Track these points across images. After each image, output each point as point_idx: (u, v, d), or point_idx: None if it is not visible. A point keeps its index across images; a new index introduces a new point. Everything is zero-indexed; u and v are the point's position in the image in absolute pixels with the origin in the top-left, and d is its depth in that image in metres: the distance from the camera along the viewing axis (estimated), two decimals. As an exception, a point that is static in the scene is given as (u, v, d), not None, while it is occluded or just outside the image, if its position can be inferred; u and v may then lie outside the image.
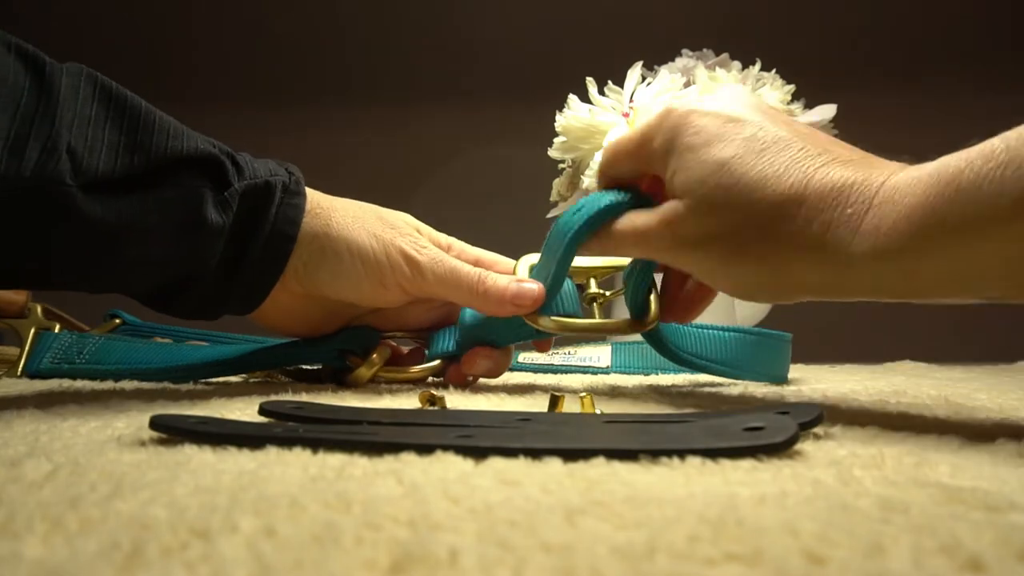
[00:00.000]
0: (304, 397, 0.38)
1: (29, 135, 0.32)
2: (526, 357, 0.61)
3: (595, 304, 0.42)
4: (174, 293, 0.39)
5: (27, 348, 0.52)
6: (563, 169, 0.77)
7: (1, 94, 0.32)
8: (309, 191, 0.42)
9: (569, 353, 0.61)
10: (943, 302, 0.27)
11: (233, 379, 0.50)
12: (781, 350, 0.52)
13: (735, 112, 0.31)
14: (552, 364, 0.60)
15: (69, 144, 0.33)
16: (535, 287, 0.40)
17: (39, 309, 0.55)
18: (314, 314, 0.44)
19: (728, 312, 0.72)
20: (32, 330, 0.53)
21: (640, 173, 0.35)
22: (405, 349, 0.49)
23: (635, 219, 0.34)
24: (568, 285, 0.42)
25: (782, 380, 0.52)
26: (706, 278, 0.32)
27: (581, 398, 0.31)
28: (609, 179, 0.36)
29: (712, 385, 0.49)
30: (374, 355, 0.44)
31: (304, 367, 0.50)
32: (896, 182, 0.26)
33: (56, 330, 0.53)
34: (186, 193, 0.36)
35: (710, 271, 0.32)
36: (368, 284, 0.41)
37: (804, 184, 0.28)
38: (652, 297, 0.40)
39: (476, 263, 0.44)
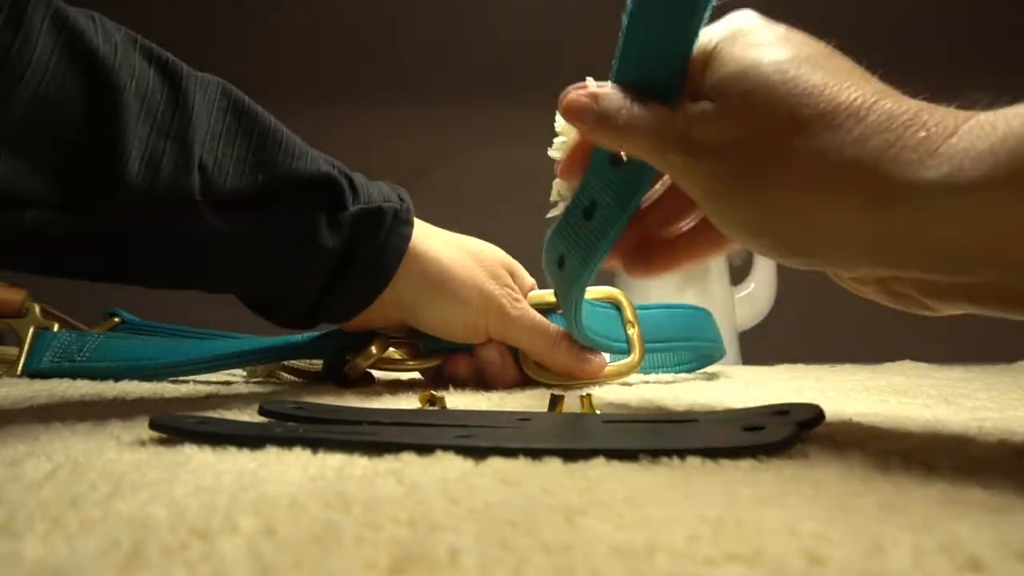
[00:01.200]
0: (304, 397, 0.38)
1: (164, 150, 0.32)
2: None
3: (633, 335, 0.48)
4: (273, 302, 0.40)
5: (26, 347, 0.52)
6: (563, 169, 0.77)
7: (141, 104, 0.32)
8: (432, 234, 0.43)
9: None
10: (1000, 274, 0.20)
11: (233, 379, 0.50)
12: (703, 321, 0.55)
13: (796, 34, 0.26)
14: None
15: (201, 159, 0.33)
16: (602, 361, 0.45)
17: (37, 308, 0.55)
18: (387, 325, 0.45)
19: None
20: (31, 329, 0.53)
21: None
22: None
23: (655, 108, 0.27)
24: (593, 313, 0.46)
25: (714, 354, 0.55)
26: (713, 203, 0.25)
27: (581, 398, 0.31)
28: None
29: (712, 385, 0.49)
30: (372, 347, 0.44)
31: (305, 368, 0.50)
32: (994, 114, 0.20)
33: (55, 329, 0.53)
34: (304, 213, 0.37)
35: (721, 193, 0.25)
36: (462, 330, 0.43)
37: (870, 101, 0.22)
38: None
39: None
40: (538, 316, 0.44)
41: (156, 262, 0.35)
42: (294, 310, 0.40)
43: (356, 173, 0.40)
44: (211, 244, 0.35)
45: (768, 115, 0.23)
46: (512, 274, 0.46)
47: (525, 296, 0.46)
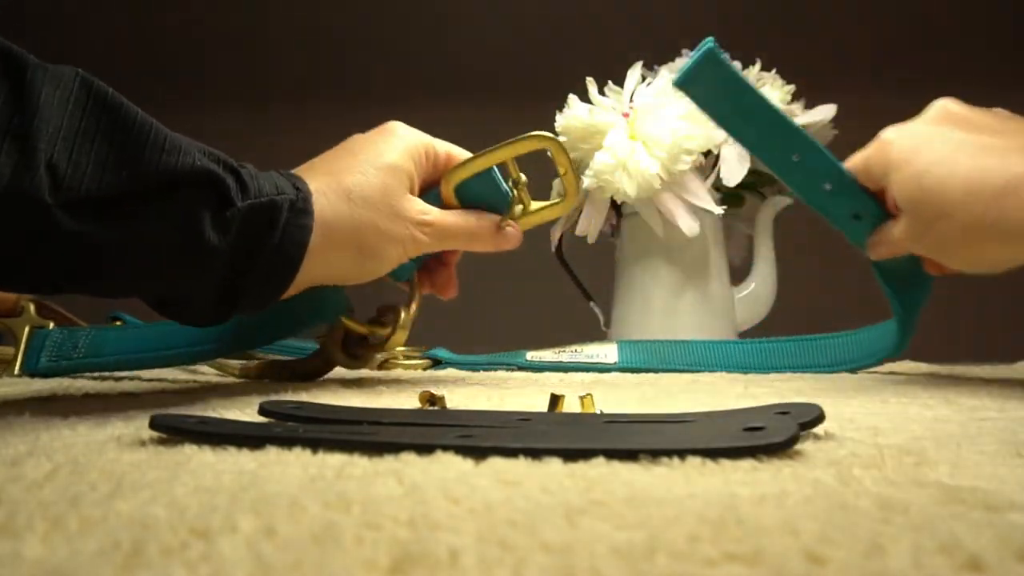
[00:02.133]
0: (304, 397, 0.38)
1: (1, 148, 0.29)
2: (533, 356, 0.61)
3: (518, 189, 0.47)
4: (175, 304, 0.38)
5: (22, 347, 0.52)
6: (563, 169, 0.77)
7: None
8: (312, 186, 0.40)
9: (576, 351, 0.61)
10: None
11: (233, 379, 0.50)
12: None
13: (925, 127, 0.40)
14: (560, 362, 0.60)
15: (50, 159, 0.30)
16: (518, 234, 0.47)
17: (32, 307, 0.54)
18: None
19: (728, 315, 0.72)
20: (26, 328, 0.53)
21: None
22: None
23: (886, 232, 0.44)
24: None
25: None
26: (942, 260, 0.42)
27: (581, 398, 0.31)
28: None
29: (712, 385, 0.49)
30: (401, 314, 0.47)
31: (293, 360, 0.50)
32: None
33: (50, 327, 0.53)
34: (183, 213, 0.34)
35: (944, 255, 0.42)
36: (393, 268, 0.44)
37: (1009, 178, 0.35)
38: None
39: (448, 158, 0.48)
40: (450, 219, 0.45)
41: (18, 267, 0.32)
42: (197, 310, 0.38)
43: (246, 165, 0.37)
44: (78, 248, 0.32)
45: (944, 221, 0.38)
46: (424, 158, 0.46)
47: (446, 168, 0.46)
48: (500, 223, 0.46)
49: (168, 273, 0.35)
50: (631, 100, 0.66)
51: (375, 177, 0.42)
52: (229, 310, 0.38)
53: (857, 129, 0.80)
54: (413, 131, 0.47)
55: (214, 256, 0.35)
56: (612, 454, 0.20)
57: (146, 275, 0.35)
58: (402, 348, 0.47)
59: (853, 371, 0.57)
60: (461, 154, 0.48)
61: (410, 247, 0.43)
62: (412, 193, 0.44)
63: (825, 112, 0.70)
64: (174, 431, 0.24)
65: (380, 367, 0.58)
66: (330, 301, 0.46)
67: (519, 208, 0.47)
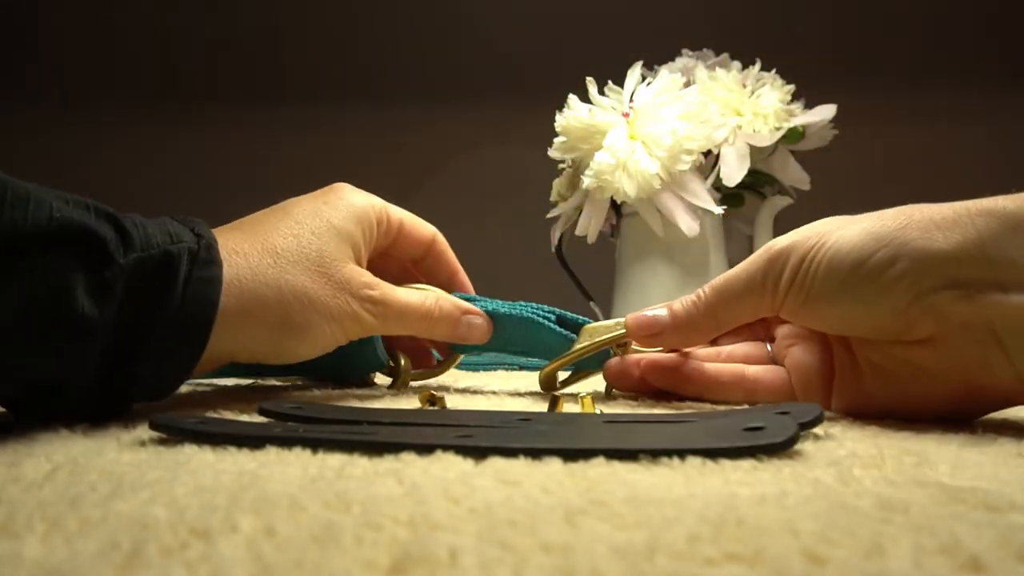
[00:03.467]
0: (304, 397, 0.38)
1: None
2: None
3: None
4: (46, 398, 0.29)
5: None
6: (563, 169, 0.77)
7: None
8: (227, 244, 0.33)
9: None
10: None
11: (233, 379, 0.50)
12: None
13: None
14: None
15: None
16: (485, 325, 0.41)
17: None
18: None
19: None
20: None
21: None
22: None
23: None
24: None
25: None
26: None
27: (581, 398, 0.31)
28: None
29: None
30: (402, 362, 0.43)
31: None
32: None
33: None
34: (43, 280, 0.26)
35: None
36: (320, 351, 0.36)
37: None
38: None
39: (431, 244, 0.43)
40: (402, 296, 0.38)
41: None
42: (71, 401, 0.29)
43: (130, 215, 0.30)
44: None
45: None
46: (376, 226, 0.39)
47: (400, 238, 0.41)
48: (464, 308, 0.40)
49: (33, 354, 0.27)
50: (631, 100, 0.66)
51: (311, 240, 0.35)
52: (118, 400, 0.30)
53: (857, 129, 0.81)
54: (364, 194, 0.40)
55: (88, 331, 0.27)
56: (612, 454, 0.20)
57: (7, 365, 0.27)
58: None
59: None
60: (417, 223, 0.42)
61: (350, 327, 0.36)
62: (358, 264, 0.37)
63: (825, 112, 0.70)
64: (174, 431, 0.24)
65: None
66: (368, 357, 0.42)
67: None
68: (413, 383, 0.45)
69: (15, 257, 0.26)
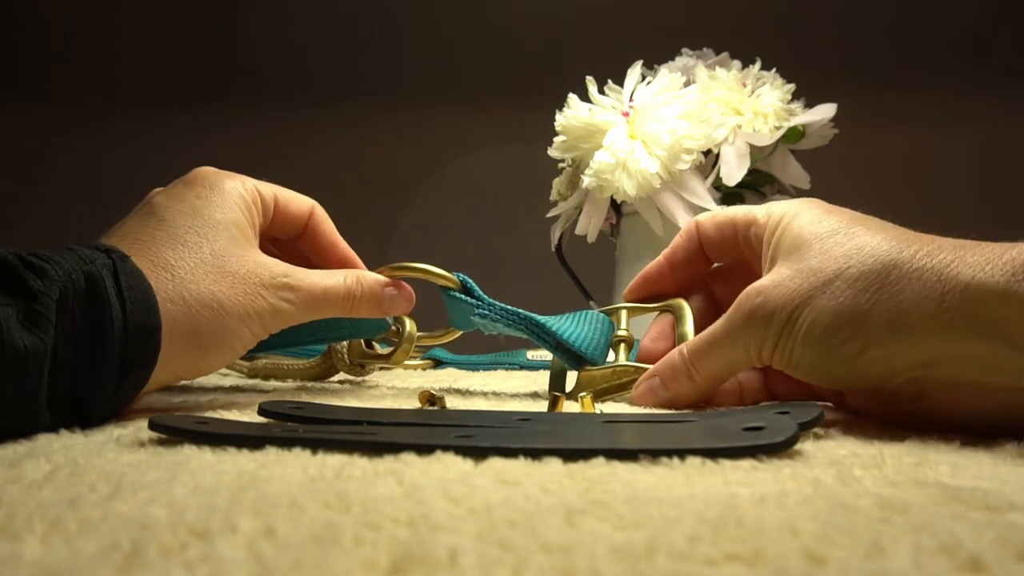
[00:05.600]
0: (304, 397, 0.38)
1: None
2: (533, 355, 0.61)
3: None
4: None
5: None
6: (563, 169, 0.77)
7: None
8: (156, 278, 0.31)
9: None
10: None
11: (233, 379, 0.50)
12: None
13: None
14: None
15: None
16: (407, 291, 0.39)
17: None
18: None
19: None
20: None
21: None
22: None
23: None
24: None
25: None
26: None
27: (581, 398, 0.31)
28: None
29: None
30: (407, 326, 0.42)
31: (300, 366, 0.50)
32: None
33: None
34: None
35: None
36: (241, 350, 0.34)
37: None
38: None
39: (311, 215, 0.40)
40: (320, 280, 0.36)
41: None
42: (31, 426, 0.27)
43: (11, 249, 0.28)
44: None
45: None
46: (252, 206, 0.36)
47: (280, 217, 0.38)
48: (383, 282, 0.38)
49: None
50: (631, 99, 0.66)
51: (200, 244, 0.33)
52: (84, 418, 0.28)
53: (857, 129, 0.80)
54: (231, 175, 0.37)
55: (30, 364, 0.26)
56: (612, 454, 0.20)
57: None
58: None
59: None
60: (292, 196, 0.39)
61: (269, 321, 0.34)
62: (256, 250, 0.35)
63: (825, 112, 0.70)
64: (173, 431, 0.24)
65: (380, 368, 0.58)
66: (371, 321, 0.41)
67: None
68: (413, 360, 0.45)
69: None
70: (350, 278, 0.37)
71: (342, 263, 0.40)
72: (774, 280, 0.31)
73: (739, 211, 0.36)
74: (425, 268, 0.39)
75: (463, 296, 0.39)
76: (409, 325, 0.43)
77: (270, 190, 0.38)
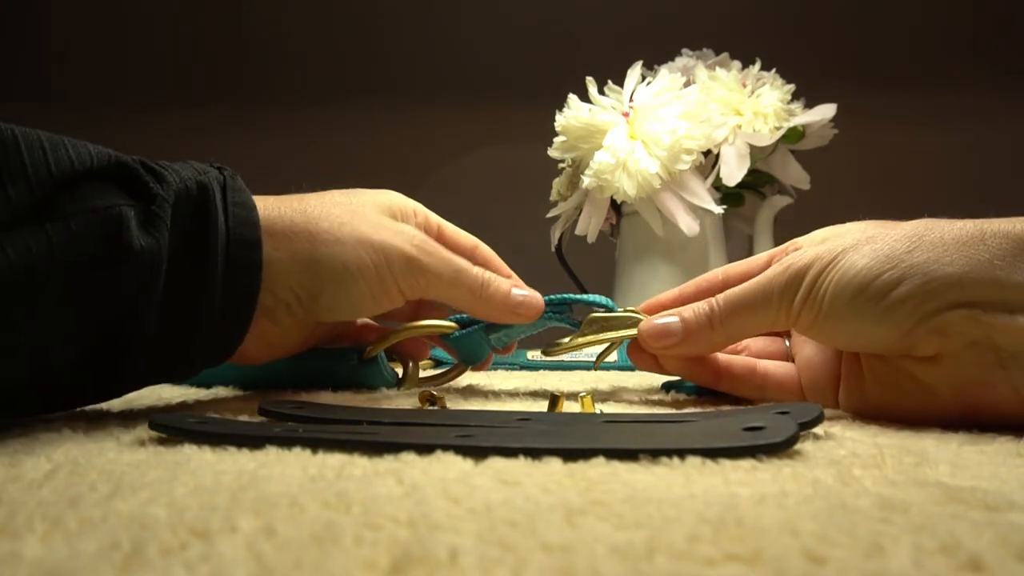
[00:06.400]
0: (304, 397, 0.38)
1: None
2: (533, 356, 0.61)
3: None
4: (103, 365, 0.28)
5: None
6: (563, 169, 0.77)
7: None
8: (278, 204, 0.33)
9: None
10: None
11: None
12: None
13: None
14: (560, 361, 0.60)
15: None
16: (538, 297, 0.39)
17: None
18: (292, 339, 0.37)
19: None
20: None
21: None
22: None
23: None
24: None
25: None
26: None
27: (581, 398, 0.31)
28: None
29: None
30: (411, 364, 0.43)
31: None
32: None
33: None
34: (95, 217, 0.26)
35: None
36: (370, 300, 0.35)
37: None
38: None
39: (472, 252, 0.41)
40: (459, 260, 0.37)
41: None
42: (135, 361, 0.28)
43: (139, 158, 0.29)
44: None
45: None
46: (415, 214, 0.39)
47: (441, 240, 0.39)
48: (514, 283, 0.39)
49: (92, 309, 0.26)
50: (631, 100, 0.66)
51: (348, 205, 0.35)
52: (185, 354, 0.30)
53: (857, 129, 0.80)
54: (405, 197, 0.39)
55: (150, 265, 0.27)
56: (612, 454, 0.20)
57: (62, 326, 0.26)
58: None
59: None
60: (456, 231, 0.41)
61: (397, 265, 0.35)
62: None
63: (825, 112, 0.70)
64: (174, 431, 0.24)
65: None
66: (375, 374, 0.42)
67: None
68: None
69: (65, 198, 0.25)
70: (482, 270, 0.38)
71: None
72: (813, 240, 0.33)
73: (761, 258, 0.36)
74: (422, 325, 0.40)
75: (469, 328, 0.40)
76: (412, 367, 0.43)
77: (435, 219, 0.40)
